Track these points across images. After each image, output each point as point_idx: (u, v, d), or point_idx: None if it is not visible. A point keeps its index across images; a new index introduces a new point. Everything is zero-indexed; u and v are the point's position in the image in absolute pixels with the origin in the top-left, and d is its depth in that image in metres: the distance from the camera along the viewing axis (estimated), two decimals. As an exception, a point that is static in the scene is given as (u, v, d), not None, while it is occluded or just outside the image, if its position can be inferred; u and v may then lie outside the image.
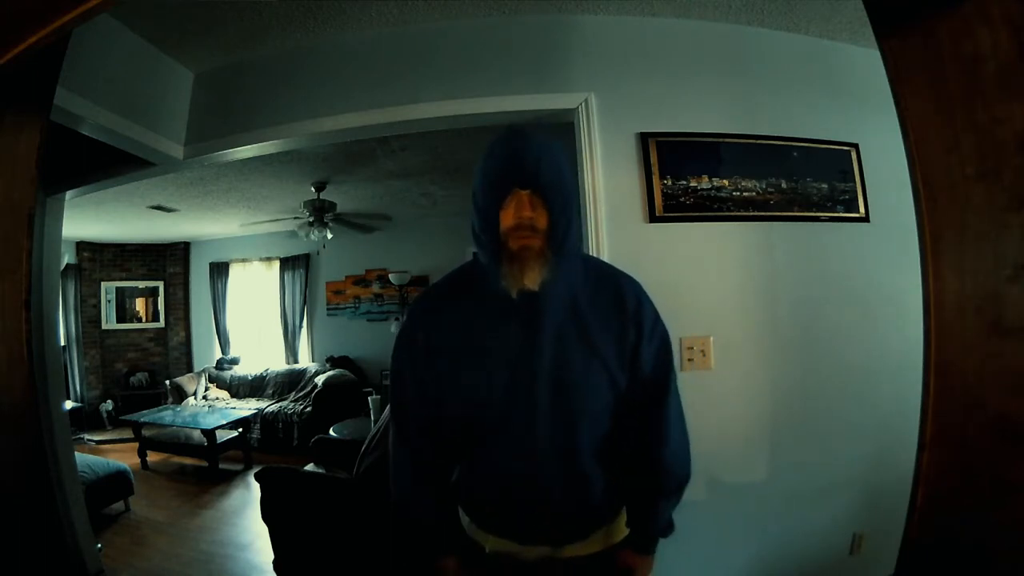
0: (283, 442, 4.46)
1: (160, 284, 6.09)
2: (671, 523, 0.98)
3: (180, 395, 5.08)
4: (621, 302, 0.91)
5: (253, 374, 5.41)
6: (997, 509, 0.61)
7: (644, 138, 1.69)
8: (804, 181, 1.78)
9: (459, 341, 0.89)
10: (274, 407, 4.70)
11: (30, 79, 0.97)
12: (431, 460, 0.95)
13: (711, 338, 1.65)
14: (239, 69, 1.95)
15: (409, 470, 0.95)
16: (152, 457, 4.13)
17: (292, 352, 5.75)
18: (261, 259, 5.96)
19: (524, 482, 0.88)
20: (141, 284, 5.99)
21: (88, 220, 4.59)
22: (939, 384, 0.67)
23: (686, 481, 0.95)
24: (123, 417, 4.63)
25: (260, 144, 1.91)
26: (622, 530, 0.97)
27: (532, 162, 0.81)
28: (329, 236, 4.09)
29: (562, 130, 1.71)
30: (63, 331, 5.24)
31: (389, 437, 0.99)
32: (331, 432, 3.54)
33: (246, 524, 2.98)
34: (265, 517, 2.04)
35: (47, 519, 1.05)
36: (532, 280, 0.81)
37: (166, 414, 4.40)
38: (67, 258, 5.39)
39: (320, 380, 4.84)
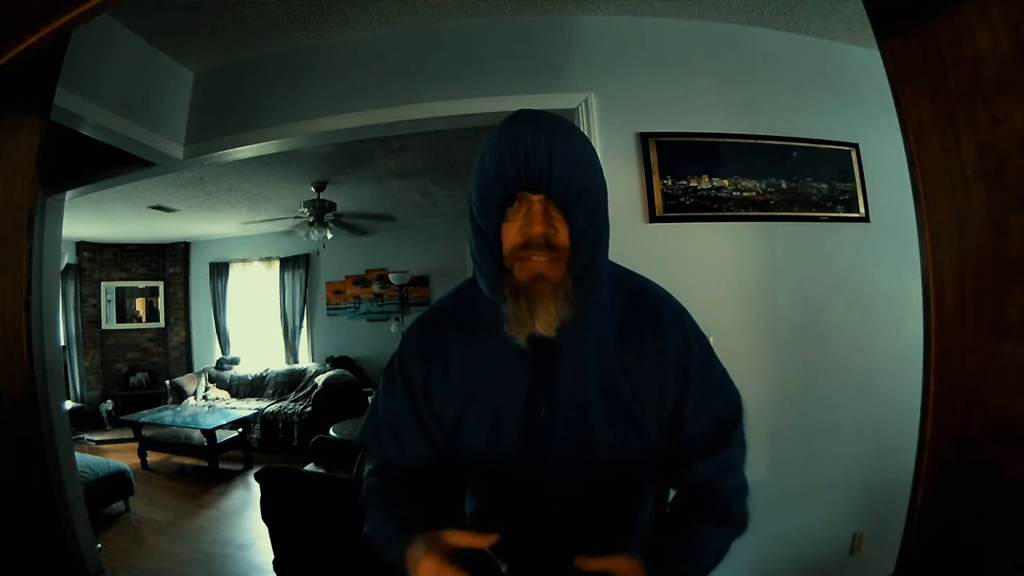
0: (283, 442, 4.45)
1: (160, 284, 6.08)
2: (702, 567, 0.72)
3: (180, 395, 5.08)
4: (661, 341, 0.69)
5: (253, 374, 5.41)
6: (997, 509, 0.61)
7: (644, 138, 1.69)
8: (804, 181, 1.78)
9: (461, 386, 0.72)
10: (274, 407, 4.70)
11: (30, 79, 0.97)
12: (394, 492, 0.76)
13: (711, 338, 1.64)
14: (239, 69, 1.95)
15: (376, 499, 0.76)
16: (152, 457, 4.13)
17: (292, 352, 5.75)
18: (261, 259, 5.96)
19: (535, 539, 0.73)
20: (141, 284, 5.99)
21: (88, 220, 4.59)
22: (939, 384, 0.67)
23: (742, 525, 0.75)
24: (123, 417, 4.63)
25: (260, 144, 1.91)
26: None
27: (544, 155, 0.57)
28: (329, 236, 4.09)
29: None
30: (63, 331, 5.24)
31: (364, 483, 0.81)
32: (331, 432, 3.53)
33: (246, 524, 2.98)
34: (265, 517, 2.04)
35: (47, 519, 1.05)
36: (546, 325, 0.60)
37: (166, 414, 4.40)
38: (67, 258, 5.39)
39: (320, 380, 4.84)
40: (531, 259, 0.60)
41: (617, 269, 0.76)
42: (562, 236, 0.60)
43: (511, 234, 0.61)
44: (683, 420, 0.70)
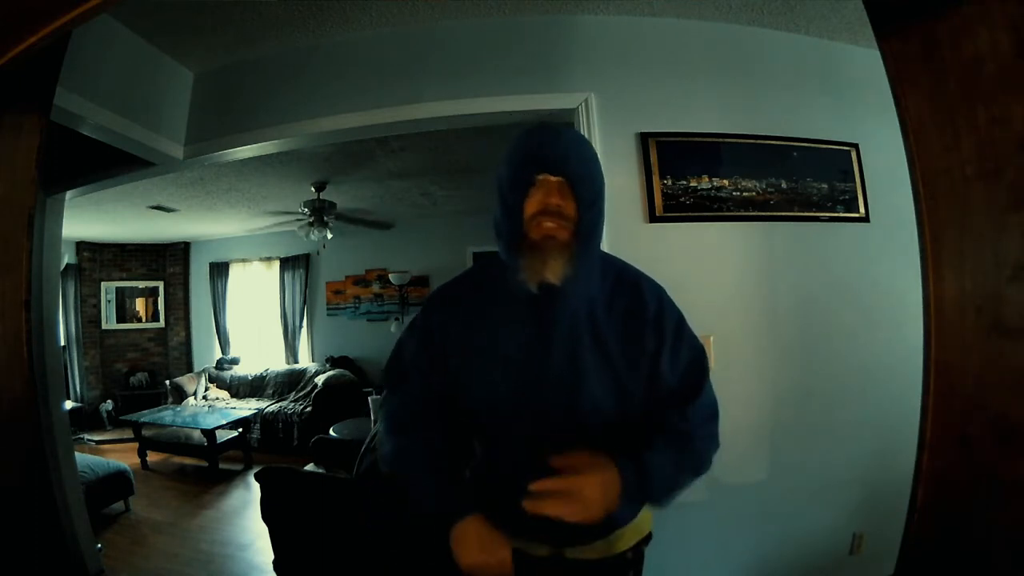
0: (283, 442, 4.45)
1: (160, 284, 6.08)
2: (665, 490, 0.80)
3: (180, 395, 5.08)
4: (641, 307, 0.85)
5: (253, 374, 5.40)
6: (997, 509, 0.61)
7: (644, 138, 1.69)
8: (804, 181, 1.78)
9: (473, 335, 0.86)
10: (274, 407, 4.70)
11: (30, 79, 0.97)
12: (439, 447, 0.87)
13: (711, 338, 1.65)
14: (239, 69, 1.95)
15: (418, 458, 0.87)
16: (152, 457, 4.13)
17: (292, 352, 5.75)
18: (261, 259, 5.96)
19: (527, 483, 0.82)
20: (141, 284, 5.99)
21: (88, 220, 4.59)
22: (939, 384, 0.67)
23: (702, 466, 0.83)
24: (123, 417, 4.63)
25: (260, 144, 1.91)
26: (626, 542, 0.93)
27: (562, 148, 0.77)
28: (329, 236, 4.09)
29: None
30: (63, 331, 5.24)
31: (382, 412, 0.94)
32: (331, 432, 3.54)
33: (246, 524, 2.98)
34: (265, 517, 2.04)
35: (47, 519, 1.05)
36: (554, 272, 0.76)
37: (166, 414, 4.40)
38: (67, 258, 5.39)
39: (320, 380, 4.84)
40: (545, 223, 0.76)
41: (615, 259, 0.94)
42: (570, 210, 0.77)
43: (532, 205, 0.78)
44: (660, 373, 0.84)
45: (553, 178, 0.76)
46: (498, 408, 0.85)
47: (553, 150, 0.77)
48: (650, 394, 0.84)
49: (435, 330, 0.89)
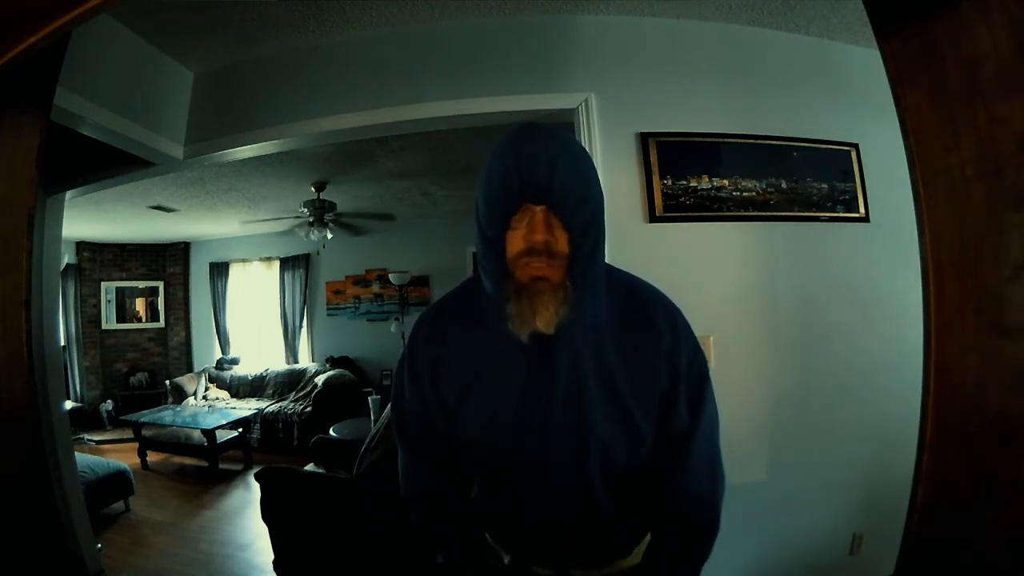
0: (283, 442, 4.45)
1: (160, 284, 6.08)
2: None
3: (180, 395, 5.08)
4: (654, 337, 0.74)
5: (253, 374, 5.40)
6: (997, 509, 0.61)
7: (644, 138, 1.69)
8: (804, 181, 1.78)
9: (465, 373, 0.77)
10: (274, 407, 4.70)
11: (30, 79, 0.97)
12: (443, 484, 0.86)
13: (711, 338, 1.65)
14: (239, 69, 1.95)
15: (422, 493, 0.87)
16: (152, 457, 4.13)
17: (292, 352, 5.75)
18: (261, 259, 5.96)
19: (534, 513, 0.80)
20: (141, 284, 5.99)
21: (88, 220, 4.59)
22: (939, 384, 0.67)
23: (710, 533, 0.79)
24: (123, 417, 4.62)
25: (260, 144, 1.91)
26: (633, 559, 0.87)
27: (546, 169, 0.63)
28: (329, 236, 4.09)
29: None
30: (63, 331, 5.23)
31: (399, 460, 0.91)
32: (331, 432, 3.53)
33: (246, 524, 2.97)
34: (265, 517, 2.04)
35: (47, 519, 1.05)
36: (546, 322, 0.65)
37: (166, 414, 4.40)
38: (67, 258, 5.39)
39: (320, 380, 4.84)
40: (533, 264, 0.65)
41: (613, 271, 0.81)
42: (562, 244, 0.65)
43: (515, 241, 0.66)
44: (674, 412, 0.75)
45: (537, 207, 0.64)
46: (497, 448, 0.78)
47: (534, 172, 0.62)
48: (661, 433, 0.76)
49: (424, 371, 0.80)
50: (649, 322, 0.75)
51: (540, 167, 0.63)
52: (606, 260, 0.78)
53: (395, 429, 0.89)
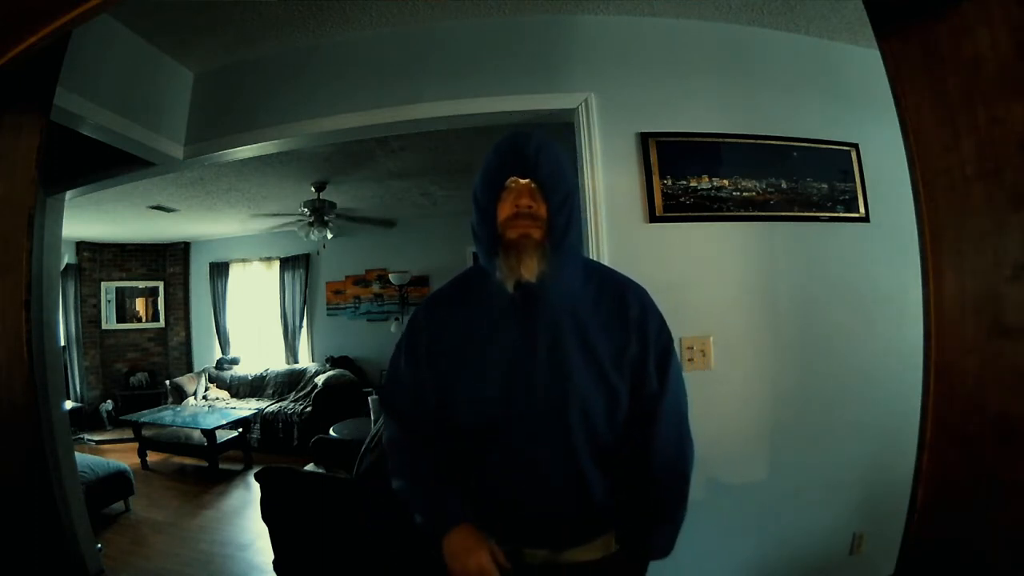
0: (283, 442, 4.45)
1: (160, 284, 6.08)
2: (664, 546, 0.89)
3: (180, 395, 5.08)
4: (624, 310, 0.87)
5: (253, 374, 5.40)
6: (997, 509, 0.61)
7: (644, 138, 1.69)
8: (804, 181, 1.78)
9: (459, 344, 0.88)
10: (274, 407, 4.70)
11: (30, 79, 0.97)
12: (434, 458, 0.91)
13: (711, 338, 1.65)
14: (239, 69, 1.95)
15: (410, 467, 0.92)
16: (152, 457, 4.13)
17: (292, 352, 5.75)
18: (261, 259, 5.96)
19: (523, 484, 0.86)
20: (141, 284, 5.99)
21: (88, 220, 4.59)
22: (939, 384, 0.67)
23: (681, 497, 0.89)
24: (123, 417, 4.63)
25: (260, 144, 1.91)
26: None
27: (532, 152, 0.81)
28: (329, 236, 4.09)
29: (562, 130, 1.71)
30: (63, 331, 5.24)
31: (384, 437, 0.98)
32: (331, 432, 3.54)
33: (246, 524, 2.98)
34: (265, 517, 2.04)
35: (47, 519, 1.05)
36: (529, 270, 0.79)
37: (166, 414, 4.40)
38: (67, 258, 5.39)
39: (320, 380, 4.84)
40: (519, 224, 0.81)
41: (590, 262, 0.98)
42: (542, 211, 0.82)
43: (505, 208, 0.82)
44: (645, 374, 0.87)
45: (523, 181, 0.81)
46: (488, 412, 0.86)
47: (522, 155, 0.81)
48: (636, 395, 0.87)
49: (421, 346, 0.91)
50: (620, 297, 0.89)
51: (529, 146, 0.81)
52: (602, 259, 0.89)
53: (385, 406, 0.98)
